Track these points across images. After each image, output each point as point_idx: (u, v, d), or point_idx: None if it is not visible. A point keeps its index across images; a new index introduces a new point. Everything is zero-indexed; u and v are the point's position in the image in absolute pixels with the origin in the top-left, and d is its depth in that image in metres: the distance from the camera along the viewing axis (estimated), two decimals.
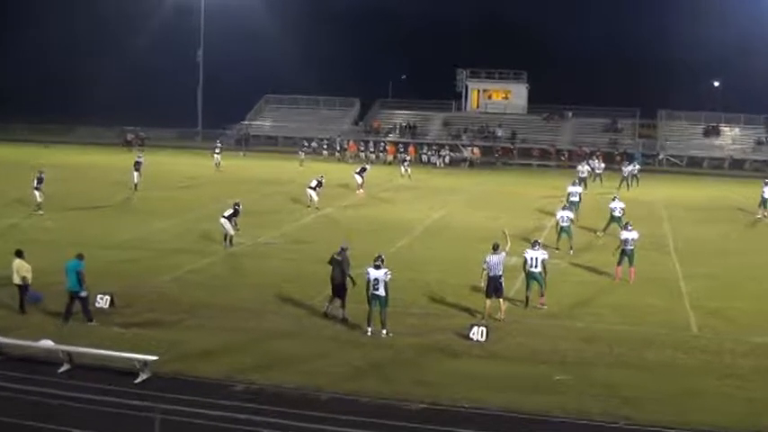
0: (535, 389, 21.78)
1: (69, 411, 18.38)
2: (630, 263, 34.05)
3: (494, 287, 27.85)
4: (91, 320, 26.26)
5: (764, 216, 53.56)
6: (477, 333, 25.65)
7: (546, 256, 29.72)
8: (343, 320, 27.24)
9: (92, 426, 17.97)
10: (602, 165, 72.72)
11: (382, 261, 26.08)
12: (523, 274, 30.03)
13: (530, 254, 29.41)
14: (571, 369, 23.35)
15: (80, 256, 26.88)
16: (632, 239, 34.13)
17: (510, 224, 44.74)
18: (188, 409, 17.81)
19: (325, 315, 27.75)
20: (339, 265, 27.75)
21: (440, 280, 33.47)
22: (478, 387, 21.73)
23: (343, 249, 28.36)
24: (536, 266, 29.16)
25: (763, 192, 54.17)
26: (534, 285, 29.42)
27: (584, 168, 66.25)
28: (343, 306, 27.57)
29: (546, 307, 29.32)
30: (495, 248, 28.37)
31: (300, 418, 18.47)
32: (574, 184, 51.57)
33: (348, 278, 27.70)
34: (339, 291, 27.64)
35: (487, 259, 28.09)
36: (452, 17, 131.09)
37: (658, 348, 25.66)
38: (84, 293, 26.32)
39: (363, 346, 24.98)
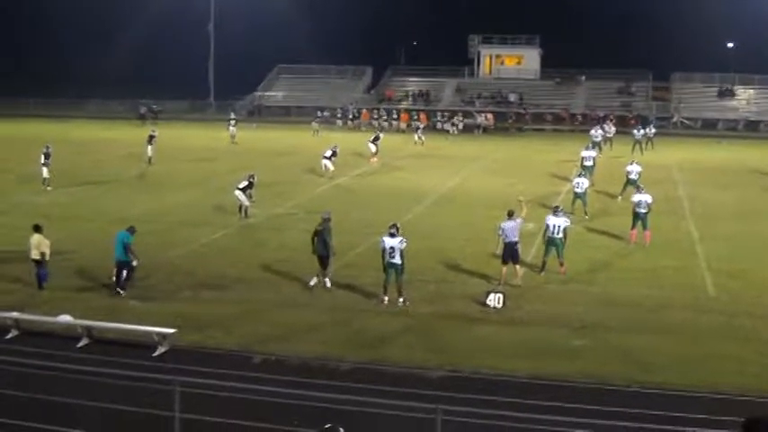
0: (553, 354, 21.80)
1: (89, 385, 18.41)
2: (644, 226, 33.99)
3: (509, 253, 27.82)
4: (122, 290, 26.51)
5: None
6: (494, 300, 25.66)
7: (568, 223, 29.70)
8: (317, 285, 27.32)
9: (111, 399, 18.05)
10: (613, 129, 72.21)
11: (397, 229, 26.07)
12: (540, 240, 30.00)
13: (551, 220, 29.30)
14: (589, 334, 23.36)
15: (130, 229, 27.19)
16: (645, 202, 34.03)
17: (525, 190, 44.79)
18: (207, 381, 17.87)
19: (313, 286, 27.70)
20: (321, 236, 27.67)
21: (455, 247, 33.48)
22: (497, 354, 21.77)
23: (325, 219, 28.26)
24: (558, 233, 29.07)
25: None
26: (552, 251, 29.35)
27: (597, 133, 65.95)
28: (325, 276, 27.63)
29: (566, 274, 29.26)
30: (510, 215, 28.34)
31: (319, 387, 18.53)
32: (587, 149, 51.50)
33: (330, 248, 27.64)
34: (323, 261, 27.64)
35: (502, 226, 28.05)
36: None
37: (676, 311, 25.68)
38: (134, 263, 26.76)
39: (380, 315, 25.03)
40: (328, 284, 27.63)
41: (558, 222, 29.25)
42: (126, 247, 26.62)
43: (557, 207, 30.58)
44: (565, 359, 21.45)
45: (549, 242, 29.37)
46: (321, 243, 27.59)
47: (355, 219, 38.85)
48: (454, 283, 28.60)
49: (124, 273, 26.75)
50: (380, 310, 25.45)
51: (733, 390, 19.40)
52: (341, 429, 10.29)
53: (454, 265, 30.64)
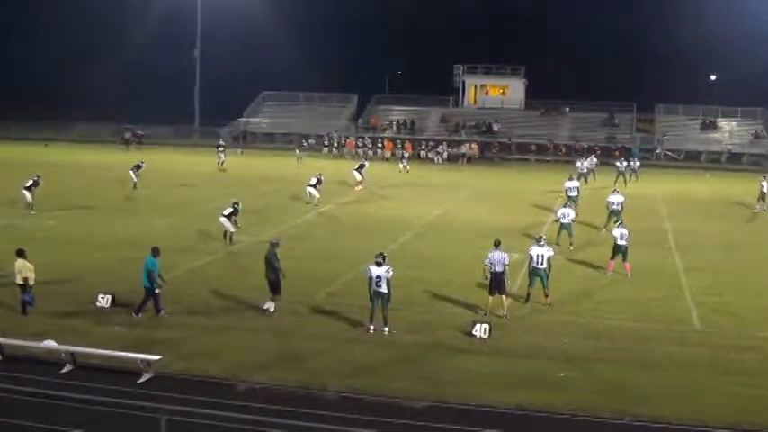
0: (539, 385, 21.74)
1: (72, 412, 18.31)
2: (624, 258, 34.06)
3: (496, 283, 27.76)
4: (157, 311, 26.88)
5: (764, 210, 53.63)
6: (480, 330, 25.61)
7: (552, 253, 29.70)
8: (264, 311, 27.34)
9: (96, 427, 17.93)
10: (595, 160, 72.52)
11: (384, 258, 26.00)
12: (525, 270, 29.99)
13: (535, 251, 29.33)
14: (575, 365, 23.32)
15: (154, 251, 27.22)
16: (624, 235, 34.10)
17: (510, 220, 45.02)
18: (192, 409, 17.77)
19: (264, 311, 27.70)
20: (269, 262, 27.71)
21: (441, 277, 33.40)
22: (483, 384, 21.69)
23: (273, 244, 28.34)
24: (541, 263, 29.09)
25: (762, 186, 54.45)
26: (537, 282, 29.34)
27: (583, 165, 66.22)
28: (275, 301, 27.66)
29: (551, 305, 29.23)
30: (497, 244, 28.31)
31: (304, 416, 18.43)
32: (571, 179, 51.60)
33: (280, 273, 27.70)
34: (274, 287, 27.67)
35: (489, 255, 28.02)
36: (449, 12, 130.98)
37: (661, 343, 25.67)
38: (156, 290, 26.76)
39: (366, 344, 24.93)
40: (271, 310, 27.57)
41: (541, 252, 29.26)
42: (149, 273, 26.59)
43: (540, 237, 30.52)
44: (551, 390, 21.38)
45: (533, 272, 29.36)
46: (270, 268, 27.59)
47: (341, 247, 38.87)
48: (440, 312, 28.52)
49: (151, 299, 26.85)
50: (366, 339, 25.35)
51: (720, 423, 19.37)
52: None
53: (440, 295, 30.56)
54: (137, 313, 26.69)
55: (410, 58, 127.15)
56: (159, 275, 26.90)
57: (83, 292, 28.98)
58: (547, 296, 29.31)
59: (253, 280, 32.10)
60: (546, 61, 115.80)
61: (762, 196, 54.29)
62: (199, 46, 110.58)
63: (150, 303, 26.93)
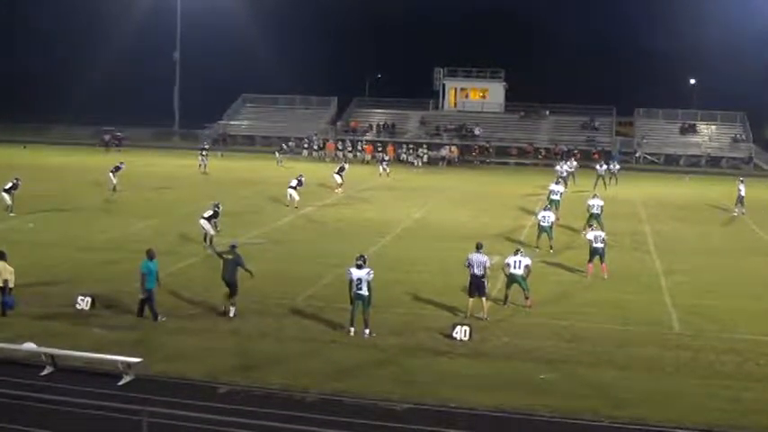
0: (520, 388, 21.77)
1: (53, 414, 18.26)
2: (601, 260, 34.17)
3: (476, 286, 27.81)
4: (156, 318, 26.75)
5: (741, 213, 54.00)
6: (461, 332, 25.65)
7: (529, 262, 29.66)
8: (224, 314, 27.36)
9: (76, 429, 17.88)
10: (575, 163, 72.75)
11: (364, 260, 26.01)
12: (504, 275, 30.05)
13: (512, 258, 29.42)
14: (555, 368, 23.37)
15: (149, 254, 27.25)
16: (600, 237, 34.18)
17: (490, 223, 45.12)
18: (173, 411, 17.69)
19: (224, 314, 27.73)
20: (229, 264, 27.72)
21: (422, 279, 33.47)
22: (463, 386, 21.71)
23: (233, 247, 28.39)
24: (518, 268, 29.12)
25: (739, 189, 55.04)
26: (514, 286, 29.39)
27: (563, 168, 66.40)
28: (232, 304, 27.66)
29: (531, 307, 29.28)
30: (479, 247, 28.37)
31: (285, 419, 18.40)
32: (557, 183, 51.76)
33: (247, 272, 27.88)
34: (232, 288, 27.69)
35: (469, 257, 28.08)
36: (428, 15, 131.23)
37: (641, 346, 25.75)
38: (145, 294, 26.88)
39: (346, 347, 24.92)
40: (232, 314, 27.59)
41: (518, 259, 29.33)
42: (143, 276, 26.71)
43: (518, 250, 30.51)
44: (531, 393, 21.42)
45: (510, 278, 29.40)
46: (229, 271, 27.58)
47: (321, 249, 38.85)
48: (420, 315, 28.54)
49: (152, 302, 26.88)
50: (347, 342, 25.35)
51: (699, 425, 19.46)
52: None
53: (420, 297, 30.60)
54: (155, 318, 26.64)
55: (390, 61, 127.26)
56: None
57: (62, 295, 28.90)
58: (527, 298, 29.38)
59: None
60: (526, 64, 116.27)
61: (739, 199, 54.68)
62: (179, 48, 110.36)
63: (136, 307, 27.00)
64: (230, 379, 21.66)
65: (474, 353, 24.66)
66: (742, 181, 56.42)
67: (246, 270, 27.82)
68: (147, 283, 26.73)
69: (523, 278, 29.19)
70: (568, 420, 19.68)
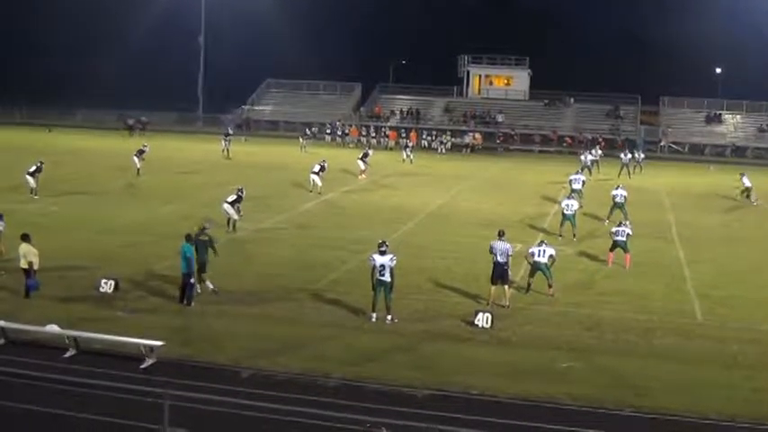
0: (542, 376, 21.73)
1: (76, 396, 18.35)
2: (624, 251, 34.00)
3: (499, 273, 27.77)
4: (189, 304, 26.78)
5: (757, 203, 54.34)
6: (483, 320, 25.61)
7: (554, 252, 29.55)
8: (187, 302, 27.15)
9: (99, 411, 17.95)
10: (599, 152, 72.55)
11: (387, 247, 26.02)
12: (526, 263, 29.98)
13: (536, 248, 29.35)
14: (577, 356, 23.32)
15: (188, 238, 27.18)
16: (624, 232, 33.98)
17: (513, 210, 45.06)
18: (195, 394, 17.76)
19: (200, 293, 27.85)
20: (204, 245, 27.87)
21: (444, 266, 33.42)
22: (484, 374, 21.68)
23: (205, 228, 28.55)
24: (542, 256, 29.02)
25: (743, 183, 56.17)
26: (538, 274, 29.33)
27: (587, 157, 66.21)
28: (201, 281, 27.85)
29: (554, 296, 29.22)
30: (501, 235, 28.34)
31: (307, 403, 18.44)
32: (577, 172, 51.64)
33: (214, 251, 28.33)
34: (204, 267, 27.85)
35: (492, 245, 28.05)
36: (454, 2, 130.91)
37: (664, 335, 25.66)
38: (192, 279, 26.86)
39: (368, 332, 24.95)
40: (212, 287, 27.95)
41: (543, 249, 29.26)
42: (188, 260, 26.64)
43: (542, 241, 30.47)
44: (553, 381, 21.37)
45: (534, 266, 29.32)
46: (202, 253, 27.71)
47: (344, 235, 38.88)
48: (442, 301, 28.51)
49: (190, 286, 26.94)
50: (369, 328, 25.37)
51: (722, 416, 19.38)
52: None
53: (443, 284, 30.58)
54: (188, 303, 26.73)
55: (415, 48, 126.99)
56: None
57: (86, 278, 29.05)
58: (550, 287, 29.30)
59: (256, 267, 32.33)
60: (551, 52, 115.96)
61: (746, 190, 55.63)
62: (203, 33, 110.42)
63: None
64: (253, 363, 21.68)
65: (496, 340, 24.64)
66: (743, 174, 57.20)
67: (214, 250, 28.20)
68: (184, 266, 26.72)
69: (547, 266, 29.11)
70: (590, 409, 19.62)
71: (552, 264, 29.34)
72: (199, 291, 27.72)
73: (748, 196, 55.44)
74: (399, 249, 29.90)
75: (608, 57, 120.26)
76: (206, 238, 28.12)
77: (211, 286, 27.93)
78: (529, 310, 27.87)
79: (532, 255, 29.24)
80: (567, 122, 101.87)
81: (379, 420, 16.47)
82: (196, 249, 27.45)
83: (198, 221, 39.29)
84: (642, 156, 72.00)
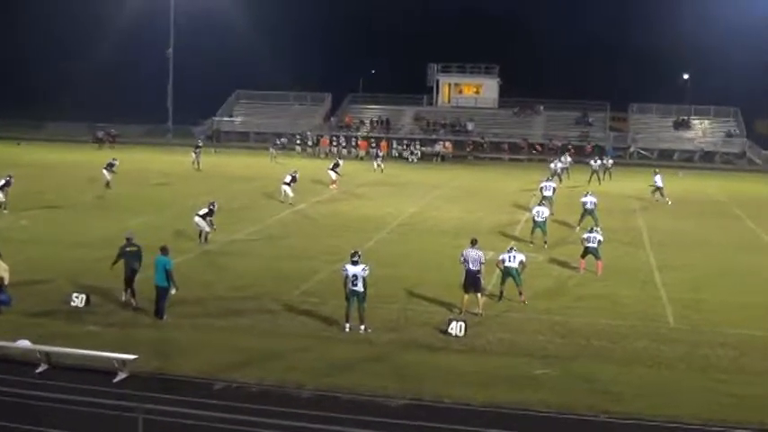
0: (515, 383, 21.75)
1: (48, 412, 18.23)
2: (596, 257, 34.12)
3: (471, 281, 27.81)
4: (161, 317, 26.60)
5: (666, 202, 56.37)
6: (456, 328, 25.62)
7: (524, 258, 29.59)
8: (136, 308, 27.34)
9: (71, 426, 17.81)
10: (569, 159, 72.94)
11: (359, 257, 26.00)
12: (497, 270, 30.02)
13: (506, 255, 29.36)
14: (551, 363, 23.36)
15: (164, 250, 27.09)
16: (596, 239, 34.07)
17: (485, 218, 45.15)
18: (168, 408, 17.68)
19: (127, 304, 27.89)
20: (133, 256, 28.10)
21: (417, 275, 33.42)
22: (459, 382, 21.68)
23: (130, 239, 28.70)
24: (512, 261, 29.06)
25: (655, 181, 57.79)
26: (509, 280, 29.36)
27: (556, 164, 66.52)
28: (131, 293, 28.01)
29: (526, 302, 29.27)
30: (474, 243, 28.39)
31: (281, 415, 18.38)
32: (548, 179, 51.84)
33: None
34: (134, 277, 28.01)
35: (464, 253, 28.10)
36: (422, 10, 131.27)
37: (637, 341, 25.76)
38: (172, 290, 26.74)
39: (342, 343, 24.90)
40: (134, 303, 27.91)
41: (512, 255, 29.29)
42: (168, 273, 26.51)
43: (512, 247, 30.45)
44: (527, 388, 21.40)
45: (505, 272, 29.35)
46: (132, 263, 27.96)
47: (315, 245, 38.83)
48: (416, 310, 28.51)
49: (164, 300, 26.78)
50: (342, 338, 25.33)
51: (695, 419, 19.45)
52: None
53: (415, 293, 30.58)
54: (161, 316, 26.59)
55: (384, 58, 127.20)
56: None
57: (57, 292, 28.90)
58: (521, 294, 29.36)
59: (228, 279, 32.23)
60: (520, 60, 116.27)
61: (657, 190, 57.45)
62: (172, 45, 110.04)
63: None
64: (226, 375, 21.60)
65: (469, 348, 24.65)
66: (657, 172, 58.93)
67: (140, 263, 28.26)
68: (161, 278, 26.62)
69: (518, 272, 29.16)
70: (564, 416, 19.67)
71: (523, 270, 29.40)
72: (124, 299, 27.94)
73: (662, 195, 56.75)
74: (372, 259, 29.84)
75: (577, 64, 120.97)
76: (134, 249, 28.28)
77: (133, 302, 27.89)
78: (502, 318, 27.91)
79: (503, 261, 29.29)
80: (537, 130, 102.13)
81: (351, 431, 16.44)
82: (125, 261, 27.81)
83: (168, 234, 39.42)
84: (611, 162, 72.32)
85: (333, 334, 25.67)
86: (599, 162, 69.36)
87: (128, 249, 28.15)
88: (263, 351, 23.90)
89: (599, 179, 66.32)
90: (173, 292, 26.72)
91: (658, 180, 57.35)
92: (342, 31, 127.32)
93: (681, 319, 28.39)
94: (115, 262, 28.22)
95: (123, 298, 28.02)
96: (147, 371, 21.76)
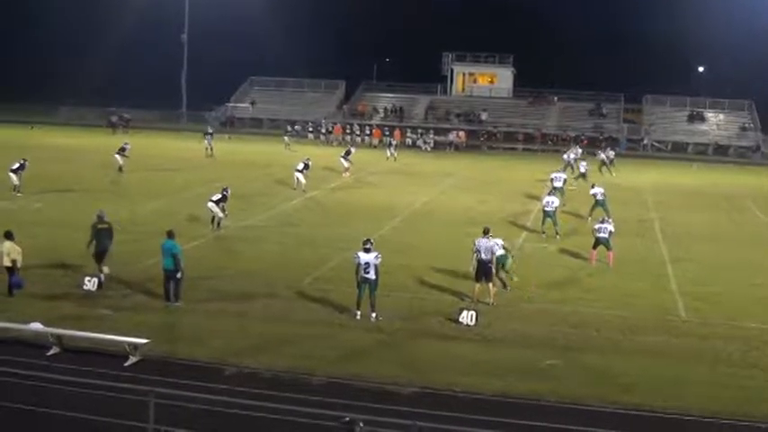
0: (526, 373, 21.76)
1: (59, 395, 18.27)
2: (607, 248, 34.09)
3: (483, 271, 27.78)
4: (176, 302, 26.64)
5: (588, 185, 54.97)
6: (467, 317, 25.63)
7: (500, 246, 29.10)
8: (169, 299, 27.01)
9: (83, 409, 17.89)
10: (580, 150, 72.52)
11: (372, 244, 26.02)
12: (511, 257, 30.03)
13: (482, 243, 28.43)
14: (561, 353, 23.36)
15: (171, 234, 27.26)
16: (607, 229, 33.99)
17: (498, 208, 45.15)
18: (179, 392, 17.71)
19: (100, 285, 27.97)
20: (104, 233, 28.62)
21: (428, 263, 33.35)
22: (469, 371, 21.70)
23: (101, 217, 29.11)
24: (496, 252, 28.79)
25: (580, 167, 59.66)
26: (501, 268, 29.37)
27: (569, 155, 66.38)
28: (100, 269, 28.29)
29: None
30: (486, 232, 28.34)
31: (292, 401, 18.42)
32: (558, 171, 51.80)
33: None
34: (104, 255, 28.42)
35: (477, 243, 28.06)
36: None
37: (648, 333, 25.73)
38: (178, 275, 26.63)
39: (353, 330, 24.94)
40: (107, 270, 28.42)
41: (488, 245, 28.48)
42: (175, 258, 26.56)
43: (486, 228, 29.30)
44: (537, 378, 21.42)
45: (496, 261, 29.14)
46: (104, 241, 28.49)
47: (328, 233, 38.85)
48: (427, 299, 28.54)
49: (172, 284, 26.75)
50: (353, 325, 25.36)
51: (705, 413, 19.45)
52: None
53: (427, 282, 30.60)
54: (170, 300, 26.66)
55: (399, 46, 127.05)
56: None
57: (70, 275, 29.06)
58: (509, 280, 29.55)
59: (240, 264, 32.28)
60: (535, 50, 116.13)
61: (581, 176, 57.97)
62: (187, 30, 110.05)
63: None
64: (237, 361, 21.67)
65: (480, 338, 24.66)
66: (584, 160, 60.81)
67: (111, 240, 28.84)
68: (168, 262, 26.66)
69: (504, 257, 29.20)
70: (574, 406, 19.68)
71: (508, 259, 29.49)
72: (102, 277, 28.09)
73: (585, 179, 56.58)
74: (384, 247, 29.84)
75: (592, 55, 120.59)
76: (105, 226, 28.79)
77: (106, 271, 28.27)
78: (513, 308, 27.90)
79: (478, 252, 28.66)
80: (551, 121, 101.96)
81: (363, 418, 16.44)
82: (97, 238, 28.31)
83: (181, 219, 39.49)
84: (612, 153, 71.19)
85: (344, 321, 25.71)
86: (612, 153, 69.35)
87: (99, 227, 28.62)
88: (274, 337, 23.95)
89: (610, 170, 66.09)
90: (178, 276, 26.71)
91: (582, 166, 59.11)
92: (357, 18, 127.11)
93: (692, 311, 28.34)
94: (91, 240, 28.57)
95: (98, 271, 28.18)
96: (159, 355, 21.84)
